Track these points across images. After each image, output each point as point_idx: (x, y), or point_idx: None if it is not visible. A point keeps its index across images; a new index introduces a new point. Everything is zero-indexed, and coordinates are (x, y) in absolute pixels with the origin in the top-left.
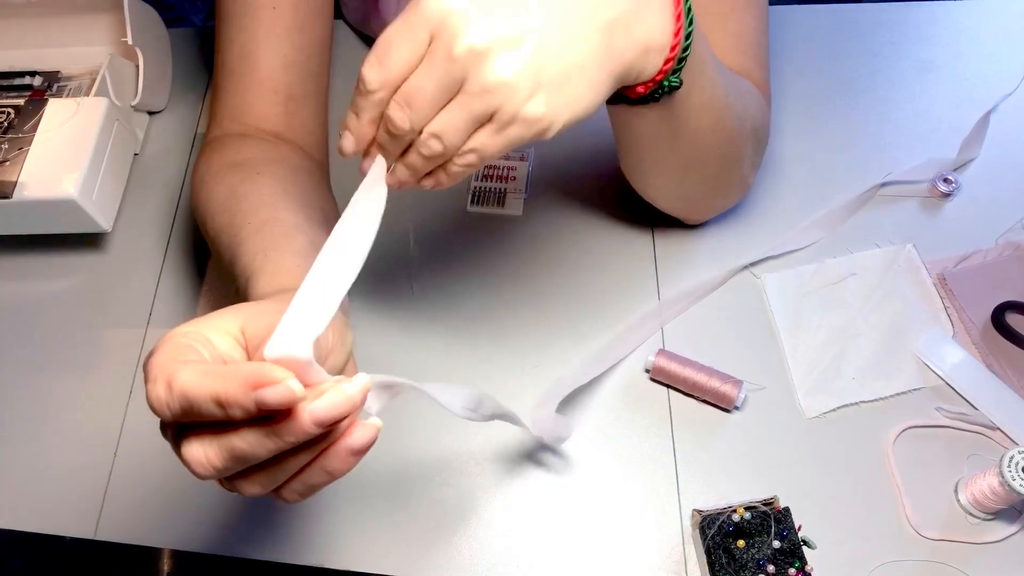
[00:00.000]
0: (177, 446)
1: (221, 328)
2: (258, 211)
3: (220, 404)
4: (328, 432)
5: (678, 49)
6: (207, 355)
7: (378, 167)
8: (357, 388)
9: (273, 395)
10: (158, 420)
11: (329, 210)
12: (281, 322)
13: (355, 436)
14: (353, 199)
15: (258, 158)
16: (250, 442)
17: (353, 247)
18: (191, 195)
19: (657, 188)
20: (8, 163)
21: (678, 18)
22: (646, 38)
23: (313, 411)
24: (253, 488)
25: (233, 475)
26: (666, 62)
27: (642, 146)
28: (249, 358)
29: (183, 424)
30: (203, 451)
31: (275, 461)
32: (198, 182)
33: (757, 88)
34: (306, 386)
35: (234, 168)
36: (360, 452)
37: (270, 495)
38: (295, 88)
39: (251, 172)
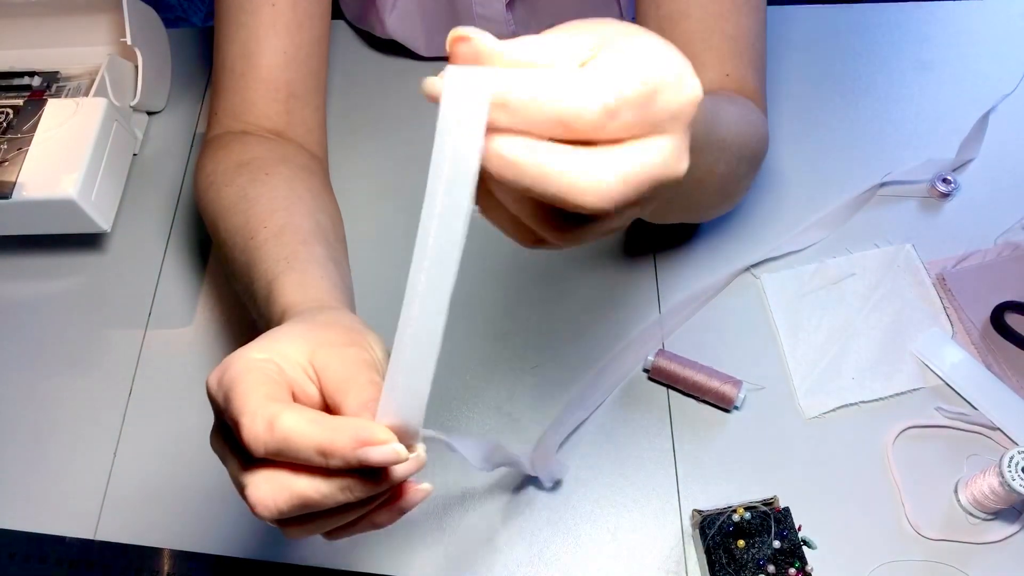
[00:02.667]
0: (241, 480)
1: (291, 358)
2: (272, 215)
3: (323, 454)
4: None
5: None
6: (285, 387)
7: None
8: (421, 458)
9: (379, 455)
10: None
11: (333, 210)
12: (390, 388)
13: (409, 498)
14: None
15: (265, 157)
16: (324, 494)
17: (437, 295)
18: (197, 195)
19: (653, 218)
20: (7, 163)
21: None
22: None
23: (394, 472)
24: (301, 534)
25: (288, 520)
26: None
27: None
28: (330, 393)
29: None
30: (272, 495)
31: (331, 512)
32: (205, 182)
33: (753, 93)
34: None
35: (241, 168)
36: (406, 511)
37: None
38: (296, 85)
39: (260, 173)
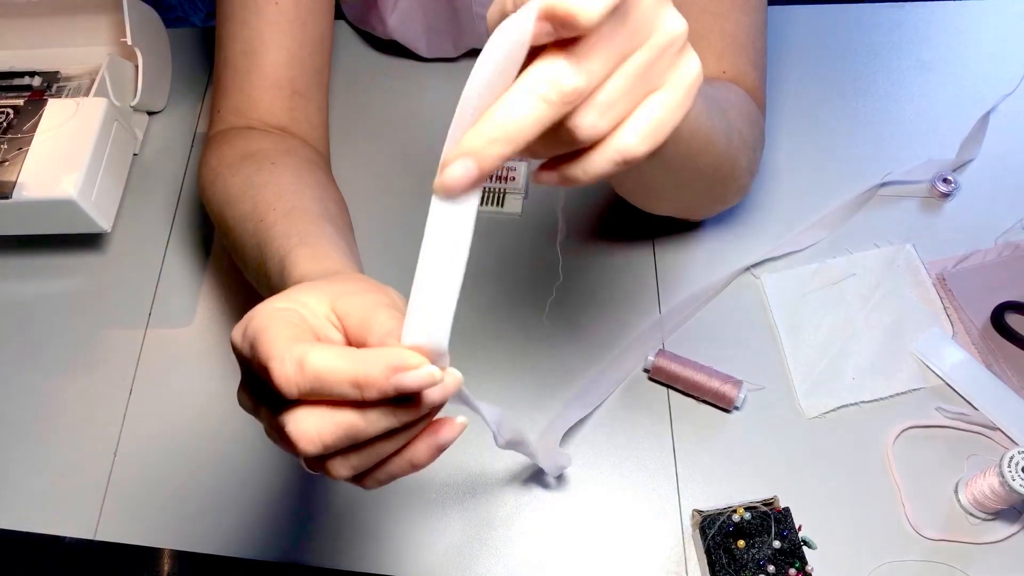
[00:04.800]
0: (276, 421)
1: (312, 307)
2: (281, 199)
3: (358, 386)
4: (425, 418)
5: None
6: (309, 331)
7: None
8: (457, 379)
9: (415, 379)
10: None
11: (339, 199)
12: (413, 310)
13: (444, 432)
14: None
15: (270, 149)
16: (371, 420)
17: (458, 232)
18: (201, 188)
19: (653, 206)
20: (7, 163)
21: None
22: None
23: (429, 394)
24: (343, 470)
25: (329, 455)
26: None
27: (632, 174)
28: (354, 337)
29: (281, 400)
30: (316, 427)
31: (372, 443)
32: (210, 175)
33: (752, 91)
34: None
35: (247, 158)
36: (444, 447)
37: (351, 481)
38: (299, 83)
39: (266, 162)
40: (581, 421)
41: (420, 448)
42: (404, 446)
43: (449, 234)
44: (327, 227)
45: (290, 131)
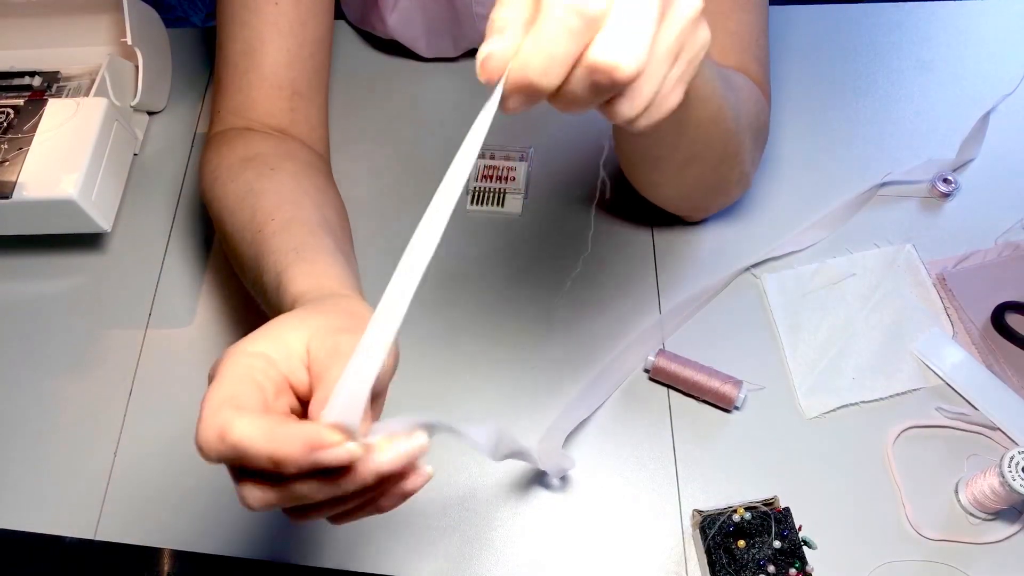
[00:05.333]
0: (236, 477)
1: (287, 347)
2: (280, 208)
3: (275, 463)
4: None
5: None
6: (269, 383)
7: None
8: (416, 446)
9: (331, 457)
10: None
11: (338, 204)
12: (338, 387)
13: (409, 483)
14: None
15: (269, 153)
16: (310, 489)
17: (398, 297)
18: (202, 190)
19: (657, 185)
20: (7, 163)
21: None
22: None
23: (378, 466)
24: (304, 520)
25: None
26: None
27: (642, 143)
28: (312, 382)
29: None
30: (262, 494)
31: (325, 503)
32: (209, 177)
33: (757, 86)
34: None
35: (247, 163)
36: (409, 495)
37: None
38: (299, 83)
39: (265, 168)
40: (582, 421)
41: (386, 498)
42: (371, 496)
43: (379, 325)
44: (326, 239)
45: (290, 132)
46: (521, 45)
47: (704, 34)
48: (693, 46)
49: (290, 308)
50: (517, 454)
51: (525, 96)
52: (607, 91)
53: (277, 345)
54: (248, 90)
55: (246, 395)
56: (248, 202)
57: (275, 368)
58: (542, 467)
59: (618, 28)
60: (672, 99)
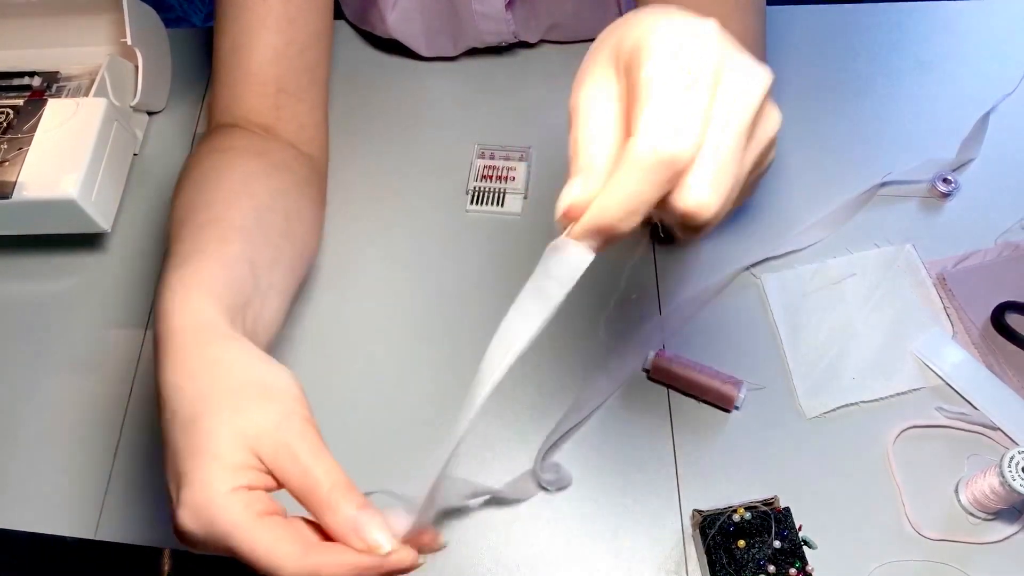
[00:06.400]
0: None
1: (231, 461)
2: (211, 205)
3: None
4: None
5: None
6: (266, 502)
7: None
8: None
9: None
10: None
11: (295, 211)
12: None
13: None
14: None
15: (240, 148)
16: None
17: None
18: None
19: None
20: (7, 163)
21: None
22: None
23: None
24: None
25: None
26: None
27: None
28: (274, 476)
29: None
30: None
31: None
32: (180, 174)
33: None
34: None
35: (212, 154)
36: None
37: None
38: (286, 81)
39: (224, 161)
40: (581, 421)
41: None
42: None
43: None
44: (233, 246)
45: (276, 130)
46: (603, 189)
47: (774, 125)
48: (770, 155)
49: (157, 317)
50: (482, 493)
51: (603, 239)
52: (688, 227)
53: (223, 470)
54: (234, 87)
55: (281, 539)
56: (190, 195)
57: (260, 483)
58: (541, 483)
59: (705, 172)
60: (744, 197)
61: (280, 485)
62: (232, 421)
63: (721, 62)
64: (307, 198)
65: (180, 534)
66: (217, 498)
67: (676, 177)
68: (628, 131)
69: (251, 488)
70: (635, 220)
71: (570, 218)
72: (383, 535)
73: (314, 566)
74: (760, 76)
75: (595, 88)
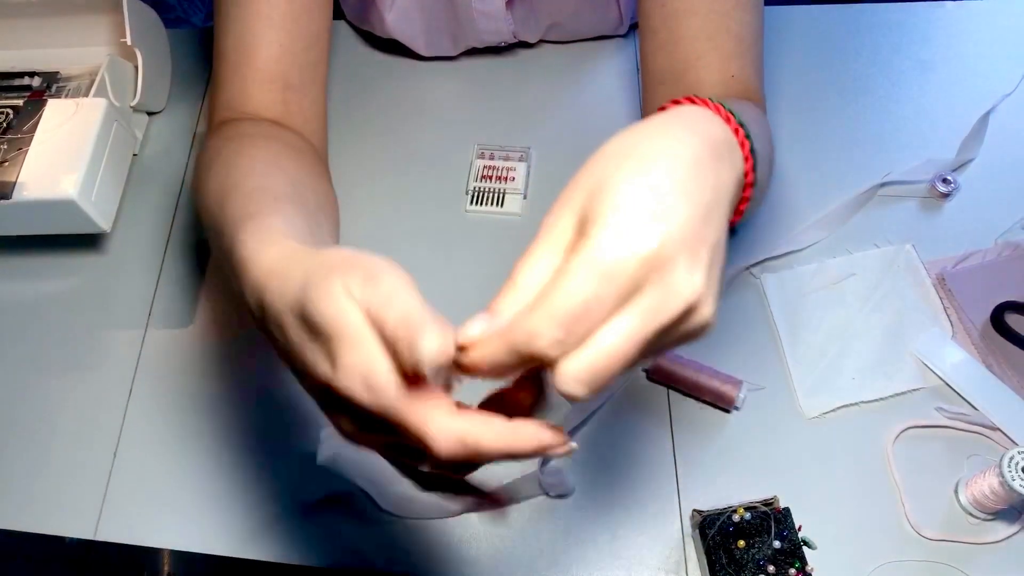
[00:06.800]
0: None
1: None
2: (248, 177)
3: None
4: None
5: (751, 163)
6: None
7: None
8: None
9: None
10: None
11: (318, 187)
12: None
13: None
14: None
15: (255, 133)
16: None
17: None
18: (192, 182)
19: None
20: (7, 163)
21: (743, 145)
22: (739, 179)
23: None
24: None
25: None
26: (746, 188)
27: None
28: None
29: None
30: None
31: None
32: (198, 166)
33: (755, 93)
34: None
35: (229, 141)
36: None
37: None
38: (292, 77)
39: (245, 144)
40: (582, 422)
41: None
42: None
43: None
44: (286, 206)
45: (283, 124)
46: (483, 343)
47: (696, 327)
48: (698, 337)
49: (241, 269)
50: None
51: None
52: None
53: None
54: (241, 84)
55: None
56: (221, 175)
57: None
58: (543, 489)
59: (576, 367)
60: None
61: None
62: (370, 285)
63: (644, 281)
64: (325, 180)
65: (344, 400)
66: (379, 358)
67: (540, 361)
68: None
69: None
70: (502, 374)
71: (457, 347)
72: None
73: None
74: (680, 296)
75: (553, 228)
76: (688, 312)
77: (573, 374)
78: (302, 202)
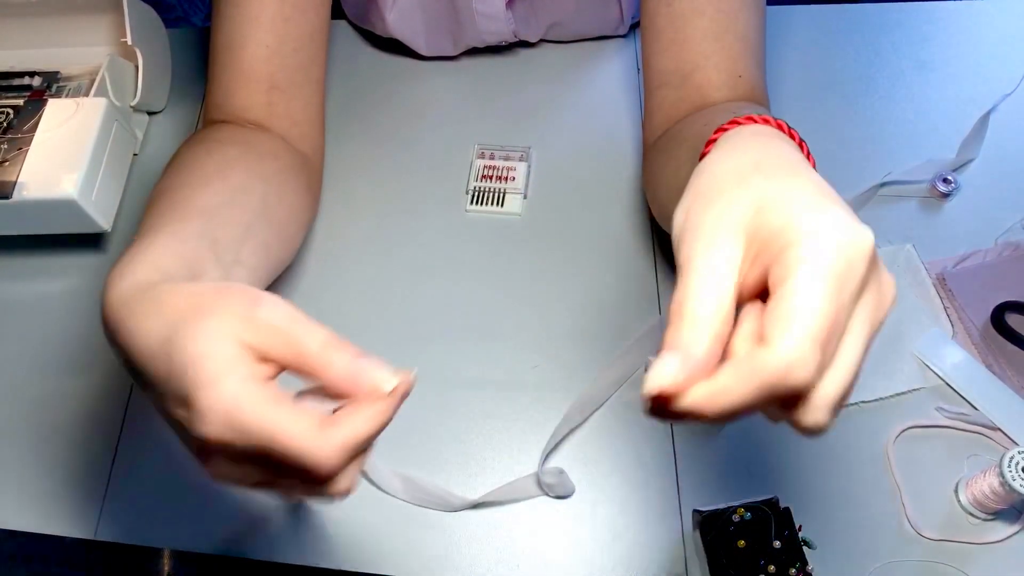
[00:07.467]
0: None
1: (239, 356)
2: (177, 190)
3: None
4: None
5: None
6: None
7: None
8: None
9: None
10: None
11: (283, 199)
12: None
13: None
14: None
15: (221, 139)
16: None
17: None
18: None
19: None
20: (7, 163)
21: (809, 158)
22: None
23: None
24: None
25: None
26: None
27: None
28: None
29: None
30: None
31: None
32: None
33: (760, 93)
34: None
35: (193, 146)
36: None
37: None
38: (279, 78)
39: (204, 150)
40: (582, 421)
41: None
42: None
43: None
44: (192, 224)
45: (268, 126)
46: (708, 385)
47: (887, 307)
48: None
49: (104, 288)
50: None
51: (679, 418)
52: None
53: (236, 361)
54: (227, 83)
55: (302, 416)
56: (163, 184)
57: (261, 374)
58: (544, 490)
59: (828, 397)
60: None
61: (277, 369)
62: (212, 324)
63: (868, 279)
64: (291, 185)
65: (209, 446)
66: (240, 390)
67: (792, 395)
68: (760, 335)
69: (255, 378)
70: (729, 419)
71: (659, 402)
72: (382, 373)
73: (342, 435)
74: (891, 288)
75: (716, 249)
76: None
77: (829, 402)
78: (231, 213)
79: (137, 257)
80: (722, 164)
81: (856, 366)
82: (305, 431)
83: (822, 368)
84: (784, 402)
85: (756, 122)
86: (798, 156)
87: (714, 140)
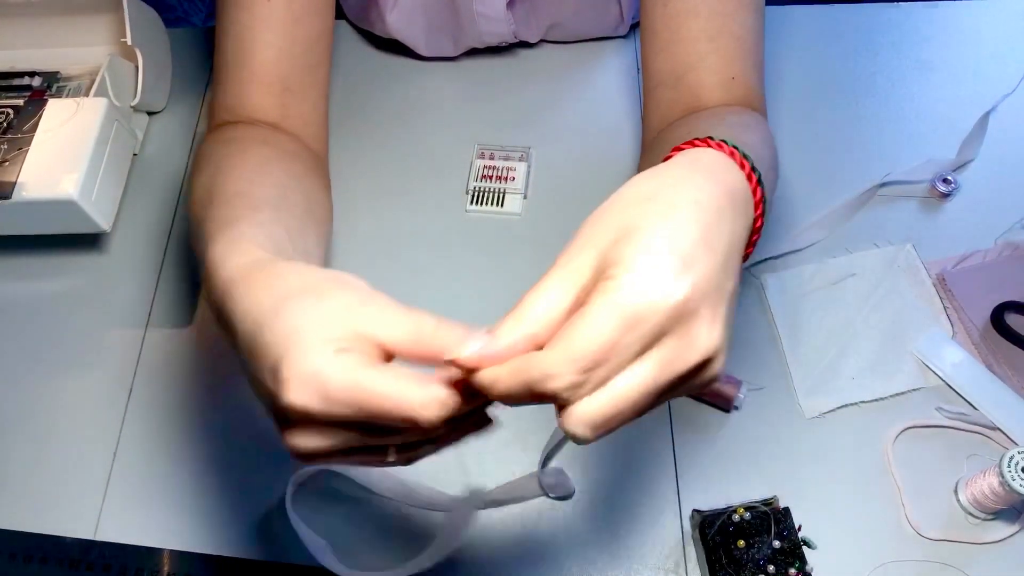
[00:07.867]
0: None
1: (350, 335)
2: (231, 182)
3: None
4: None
5: (761, 207)
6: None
7: None
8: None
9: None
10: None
11: (315, 197)
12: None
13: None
14: None
15: (248, 137)
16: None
17: None
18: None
19: None
20: (7, 163)
21: (756, 192)
22: (749, 228)
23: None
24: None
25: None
26: (754, 233)
27: None
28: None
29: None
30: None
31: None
32: (192, 167)
33: (756, 96)
34: None
35: (223, 144)
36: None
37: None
38: (291, 80)
39: (236, 148)
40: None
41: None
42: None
43: None
44: (265, 213)
45: (281, 128)
46: (491, 368)
47: (711, 373)
48: (709, 385)
49: (208, 274)
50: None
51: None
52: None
53: (338, 339)
54: (239, 87)
55: (407, 376)
56: (206, 180)
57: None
58: (544, 490)
59: (587, 411)
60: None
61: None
62: (318, 305)
63: (668, 330)
64: (319, 183)
65: (291, 412)
66: (327, 360)
67: (553, 399)
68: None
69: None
70: (508, 403)
71: (454, 365)
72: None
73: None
74: (703, 348)
75: (571, 263)
76: (703, 365)
77: (583, 418)
78: (288, 208)
79: (233, 245)
80: (635, 186)
81: (624, 400)
82: (401, 380)
83: (578, 387)
84: (556, 404)
85: (710, 147)
86: (700, 196)
87: (670, 158)
